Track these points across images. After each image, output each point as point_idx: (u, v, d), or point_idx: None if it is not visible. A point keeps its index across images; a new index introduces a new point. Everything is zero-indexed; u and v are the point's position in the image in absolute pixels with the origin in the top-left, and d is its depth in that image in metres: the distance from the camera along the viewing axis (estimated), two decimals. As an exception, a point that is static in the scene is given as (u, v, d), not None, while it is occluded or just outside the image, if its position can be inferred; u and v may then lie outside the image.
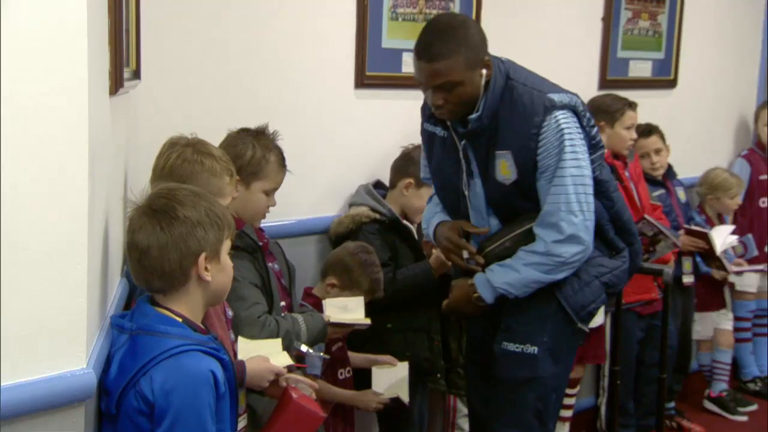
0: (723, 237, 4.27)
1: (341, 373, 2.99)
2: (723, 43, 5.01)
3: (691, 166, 4.72)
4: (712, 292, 4.58)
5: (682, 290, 4.37)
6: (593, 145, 2.63)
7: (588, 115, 2.63)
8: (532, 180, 2.56)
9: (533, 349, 2.66)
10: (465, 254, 2.71)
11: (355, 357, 3.10)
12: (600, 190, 2.66)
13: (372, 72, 3.42)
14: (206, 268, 1.83)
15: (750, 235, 4.74)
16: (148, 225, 1.79)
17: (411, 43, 3.45)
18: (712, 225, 4.56)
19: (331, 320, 2.74)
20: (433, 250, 3.20)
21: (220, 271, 1.88)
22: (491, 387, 2.77)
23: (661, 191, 4.28)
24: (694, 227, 4.32)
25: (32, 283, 1.57)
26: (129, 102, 2.41)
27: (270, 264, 2.72)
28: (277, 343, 2.40)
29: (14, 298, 1.55)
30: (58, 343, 1.61)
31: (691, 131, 4.81)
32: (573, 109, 2.56)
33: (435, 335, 3.28)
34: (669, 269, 3.61)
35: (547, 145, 2.51)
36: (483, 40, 2.54)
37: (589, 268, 2.67)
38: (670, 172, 4.38)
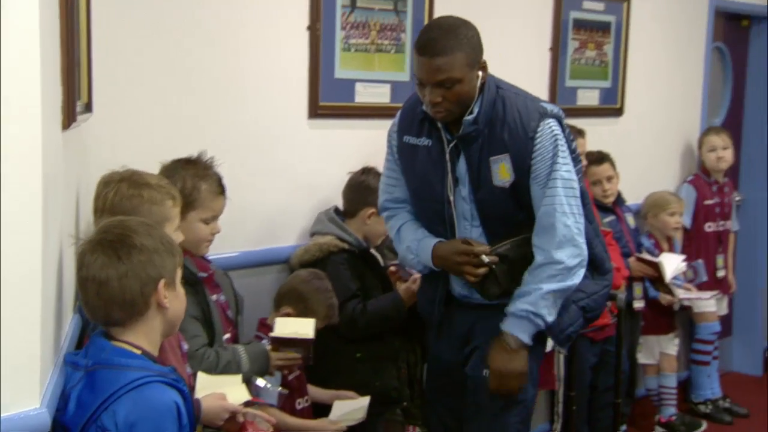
0: (673, 265, 4.35)
1: (299, 403, 2.96)
2: (667, 71, 5.12)
3: (638, 193, 4.82)
4: (661, 316, 4.65)
5: (632, 315, 4.43)
6: (574, 158, 2.68)
7: (568, 129, 2.70)
8: (526, 184, 2.61)
9: None
10: (485, 258, 2.65)
11: (321, 393, 3.09)
12: (584, 202, 2.71)
13: (325, 102, 3.43)
14: (165, 296, 1.82)
15: (701, 261, 4.83)
16: (104, 257, 1.77)
17: (363, 74, 3.56)
18: (660, 249, 4.64)
19: (272, 335, 2.72)
20: (399, 283, 3.23)
21: (176, 298, 1.89)
22: (471, 413, 2.76)
23: (611, 218, 4.34)
24: (645, 256, 4.40)
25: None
26: (80, 136, 2.38)
27: (214, 296, 2.70)
28: (237, 378, 2.38)
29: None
30: (11, 382, 1.58)
31: (638, 158, 4.90)
32: (559, 120, 2.65)
33: (402, 363, 3.29)
34: (622, 295, 3.67)
35: (542, 149, 2.58)
36: (480, 43, 2.60)
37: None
38: (619, 198, 4.45)
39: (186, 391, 1.83)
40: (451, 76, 2.52)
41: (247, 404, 2.28)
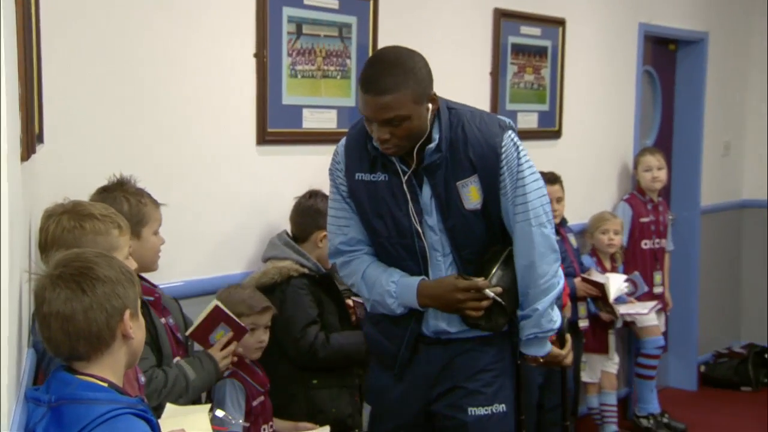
0: (617, 285, 4.45)
1: (264, 429, 2.94)
2: (601, 94, 5.25)
3: (578, 213, 4.91)
4: (603, 334, 4.74)
5: (576, 334, 4.50)
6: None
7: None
8: (496, 200, 2.60)
9: (502, 407, 2.72)
10: (490, 292, 2.61)
11: (281, 424, 3.06)
12: None
13: (273, 128, 3.43)
14: (130, 326, 1.80)
15: (638, 273, 4.93)
16: (67, 291, 1.73)
17: (311, 99, 3.57)
18: (602, 267, 4.73)
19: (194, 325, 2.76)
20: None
21: (139, 328, 1.86)
22: None
23: (556, 238, 4.41)
24: (591, 276, 4.48)
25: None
26: (33, 166, 2.33)
27: (162, 319, 2.69)
28: (204, 408, 2.35)
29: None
30: None
31: (577, 179, 4.99)
32: (514, 130, 2.64)
33: (355, 390, 3.28)
34: (565, 316, 3.71)
35: (509, 162, 2.57)
36: (429, 74, 2.53)
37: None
38: (562, 219, 4.53)
39: (154, 420, 1.81)
40: (398, 114, 2.44)
41: None
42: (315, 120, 3.60)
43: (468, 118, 2.59)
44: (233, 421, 2.67)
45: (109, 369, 1.80)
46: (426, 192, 2.62)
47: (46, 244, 2.20)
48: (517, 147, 2.59)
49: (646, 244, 5.18)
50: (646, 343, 5.07)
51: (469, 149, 2.56)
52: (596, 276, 4.52)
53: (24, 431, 1.71)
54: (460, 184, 2.58)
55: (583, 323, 4.48)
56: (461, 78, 4.28)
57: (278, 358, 3.13)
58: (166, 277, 2.98)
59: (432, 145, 2.55)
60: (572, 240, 4.60)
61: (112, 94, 2.95)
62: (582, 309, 4.45)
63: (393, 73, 2.43)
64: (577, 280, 4.41)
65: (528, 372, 3.96)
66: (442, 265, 2.66)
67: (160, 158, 3.09)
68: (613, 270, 4.79)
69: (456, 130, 2.57)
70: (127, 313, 1.79)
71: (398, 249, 2.67)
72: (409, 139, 2.52)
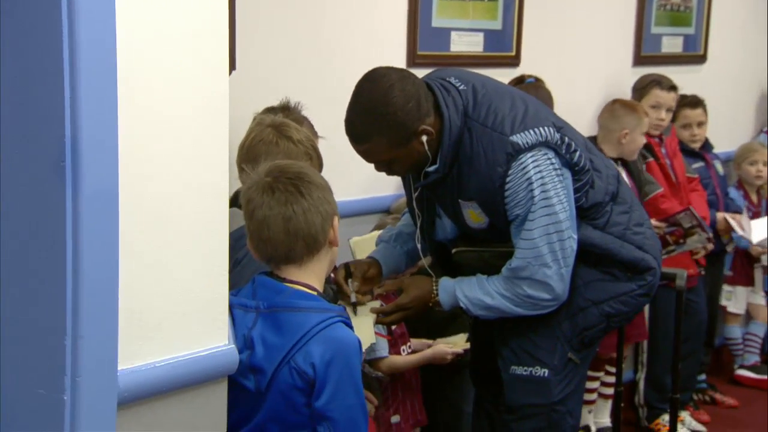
0: (762, 233, 4.33)
1: (403, 350, 2.97)
2: (748, 19, 5.03)
3: (720, 141, 4.74)
4: (746, 269, 4.64)
5: (713, 264, 4.41)
6: (577, 171, 2.36)
7: (567, 139, 2.34)
8: (505, 221, 2.36)
9: (543, 372, 2.47)
10: (353, 297, 2.40)
11: (417, 343, 3.04)
12: (589, 215, 2.43)
13: (423, 51, 3.41)
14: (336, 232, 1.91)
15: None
16: (287, 194, 1.83)
17: (459, 22, 3.53)
18: (749, 200, 4.59)
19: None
20: None
21: (335, 237, 1.94)
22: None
23: (700, 164, 4.31)
24: (736, 221, 4.33)
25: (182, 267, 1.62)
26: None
27: None
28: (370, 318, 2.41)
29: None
30: (203, 319, 1.67)
31: (719, 106, 4.82)
32: (545, 144, 2.28)
33: None
34: (683, 273, 3.54)
35: (514, 195, 2.28)
36: (415, 108, 2.22)
37: (585, 293, 2.46)
38: (707, 144, 4.41)
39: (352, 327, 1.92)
40: (378, 159, 2.31)
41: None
42: (463, 43, 3.57)
43: (478, 135, 2.29)
44: (386, 336, 2.74)
45: (315, 276, 1.89)
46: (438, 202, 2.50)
47: (243, 148, 2.31)
48: (529, 178, 2.26)
49: (788, 179, 4.99)
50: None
51: (472, 173, 2.31)
52: (740, 225, 4.36)
53: (240, 338, 1.82)
54: (462, 203, 2.38)
55: (730, 247, 4.42)
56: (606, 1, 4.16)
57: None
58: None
59: (431, 168, 2.33)
60: (718, 167, 4.47)
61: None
62: (725, 236, 4.34)
63: (365, 121, 2.23)
64: (720, 217, 4.29)
65: (663, 302, 3.90)
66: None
67: (312, 80, 3.12)
68: (759, 203, 4.63)
69: (465, 144, 2.30)
70: (336, 218, 1.89)
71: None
72: (412, 167, 2.35)
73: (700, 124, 4.31)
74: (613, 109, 3.76)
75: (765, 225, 4.40)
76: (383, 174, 3.06)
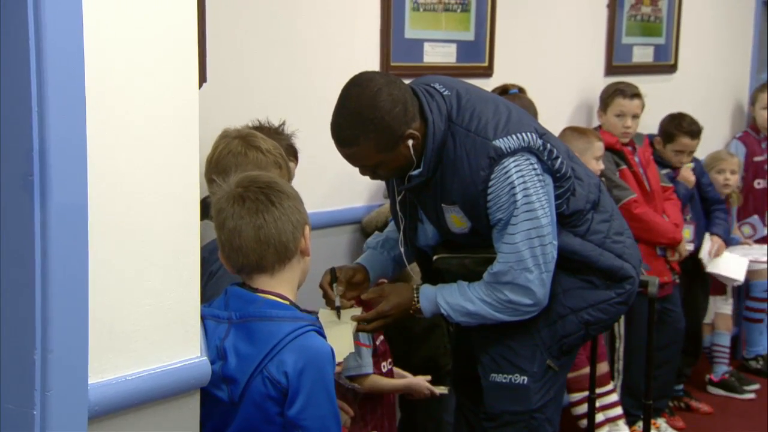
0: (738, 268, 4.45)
1: (384, 366, 2.96)
2: (716, 27, 5.09)
3: (691, 149, 4.79)
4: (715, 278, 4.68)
5: (700, 276, 4.47)
6: (559, 178, 2.38)
7: (549, 146, 2.36)
8: (487, 226, 2.36)
9: (522, 379, 2.47)
10: (337, 302, 2.43)
11: (400, 372, 3.03)
12: (570, 222, 2.45)
13: (396, 62, 3.42)
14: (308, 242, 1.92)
15: (756, 216, 4.82)
16: (257, 203, 1.84)
17: (432, 33, 3.55)
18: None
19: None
20: None
21: (307, 247, 1.95)
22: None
23: (668, 169, 4.33)
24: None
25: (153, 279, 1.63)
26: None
27: None
28: (349, 325, 2.39)
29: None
30: (175, 331, 1.66)
31: (691, 114, 4.87)
32: (527, 149, 2.29)
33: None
34: (656, 280, 3.57)
35: (496, 199, 2.28)
36: (402, 112, 2.24)
37: (564, 300, 2.46)
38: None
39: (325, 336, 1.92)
40: (364, 164, 2.32)
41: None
42: (436, 54, 3.58)
43: (461, 139, 2.30)
44: (368, 345, 2.73)
45: (287, 285, 1.89)
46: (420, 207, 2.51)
47: (210, 163, 2.31)
48: (512, 182, 2.27)
49: (759, 184, 5.04)
50: (754, 287, 4.96)
51: (455, 178, 2.32)
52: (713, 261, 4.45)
53: (213, 348, 1.82)
54: (444, 207, 2.39)
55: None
56: (577, 8, 4.19)
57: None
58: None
59: (416, 173, 2.35)
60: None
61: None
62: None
63: (351, 125, 2.23)
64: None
65: (639, 310, 3.91)
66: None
67: (285, 93, 3.12)
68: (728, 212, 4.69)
69: (448, 148, 2.31)
70: (307, 227, 1.90)
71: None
72: (396, 171, 2.36)
73: (690, 153, 4.35)
74: (564, 135, 3.77)
75: (744, 264, 4.46)
76: (355, 185, 3.08)
